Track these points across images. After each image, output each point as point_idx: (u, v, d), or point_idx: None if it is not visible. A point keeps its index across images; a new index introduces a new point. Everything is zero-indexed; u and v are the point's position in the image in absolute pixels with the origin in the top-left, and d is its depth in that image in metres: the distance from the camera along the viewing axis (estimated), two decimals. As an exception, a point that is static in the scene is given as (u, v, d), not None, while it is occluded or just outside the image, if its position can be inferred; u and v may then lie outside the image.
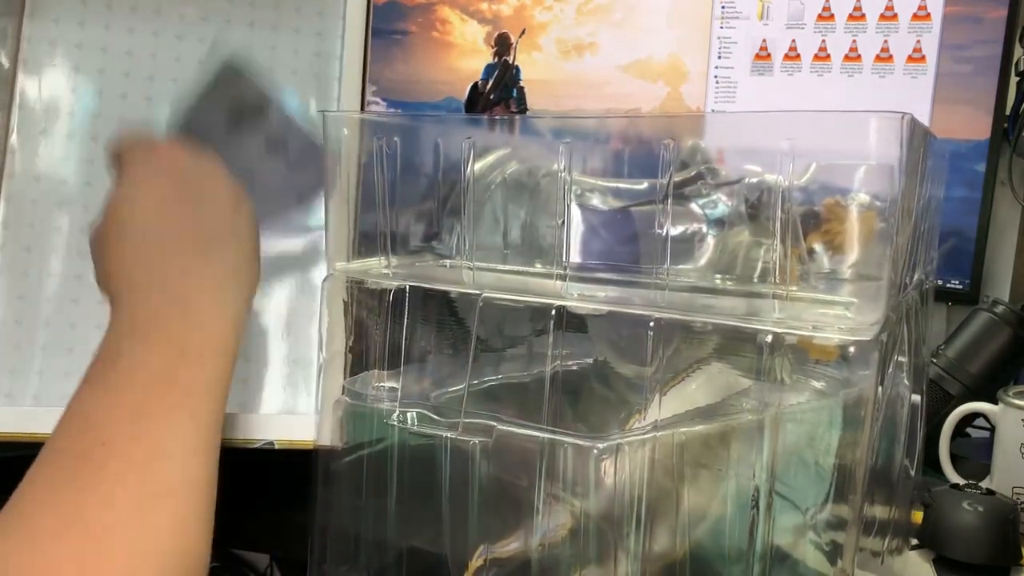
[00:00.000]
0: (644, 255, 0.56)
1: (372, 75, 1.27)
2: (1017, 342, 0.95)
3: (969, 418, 0.89)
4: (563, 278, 0.57)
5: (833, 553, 0.53)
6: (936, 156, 0.63)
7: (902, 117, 0.45)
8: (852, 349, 0.48)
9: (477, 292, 0.58)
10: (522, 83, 1.20)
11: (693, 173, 0.57)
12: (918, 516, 0.75)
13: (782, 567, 0.54)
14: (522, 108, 1.20)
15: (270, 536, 0.81)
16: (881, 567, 0.65)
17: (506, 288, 0.58)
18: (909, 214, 0.51)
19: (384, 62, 1.26)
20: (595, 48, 1.17)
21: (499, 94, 1.21)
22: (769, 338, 0.50)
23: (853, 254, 0.50)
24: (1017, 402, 0.80)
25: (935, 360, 0.97)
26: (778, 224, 0.50)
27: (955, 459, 0.89)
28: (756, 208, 0.54)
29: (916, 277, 0.62)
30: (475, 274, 0.60)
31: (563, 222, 0.57)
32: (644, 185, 0.58)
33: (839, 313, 0.49)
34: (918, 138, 0.51)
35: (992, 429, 0.86)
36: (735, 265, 0.56)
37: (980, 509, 0.71)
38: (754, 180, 0.54)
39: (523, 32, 1.20)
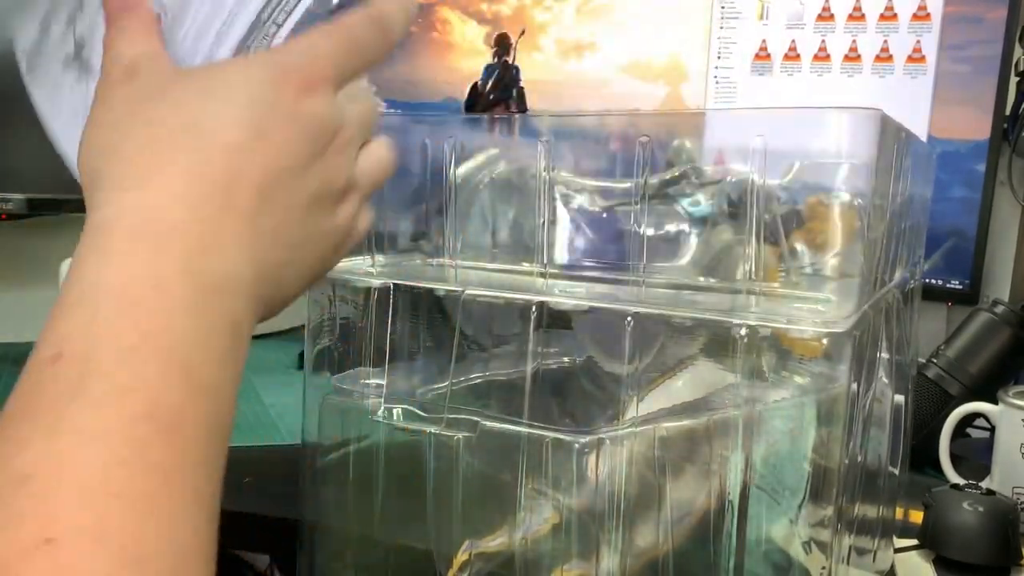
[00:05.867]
0: (628, 253, 0.57)
1: (372, 75, 1.27)
2: (1017, 342, 0.95)
3: (969, 418, 0.89)
4: (546, 276, 0.57)
5: (817, 549, 0.53)
6: (918, 155, 0.63)
7: (872, 113, 0.45)
8: (826, 342, 0.48)
9: (459, 289, 0.59)
10: (522, 83, 1.21)
11: (678, 172, 0.57)
12: (918, 516, 0.75)
13: (769, 563, 0.54)
14: (522, 108, 1.20)
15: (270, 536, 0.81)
16: (873, 564, 0.65)
17: (491, 286, 0.59)
18: (882, 210, 0.51)
19: (384, 62, 1.26)
20: (595, 48, 1.17)
21: (499, 94, 1.21)
22: (743, 331, 0.50)
23: (829, 251, 0.50)
24: (1017, 402, 0.80)
25: (935, 360, 0.97)
26: (752, 221, 0.50)
27: (955, 459, 0.88)
28: (737, 207, 0.55)
29: (899, 275, 0.62)
30: (459, 272, 0.60)
31: (545, 222, 0.58)
32: (630, 184, 0.58)
33: (813, 308, 0.49)
34: (891, 135, 0.51)
35: (992, 429, 0.86)
36: (718, 263, 0.56)
37: (980, 509, 0.71)
38: (735, 179, 0.55)
39: (523, 32, 1.20)
